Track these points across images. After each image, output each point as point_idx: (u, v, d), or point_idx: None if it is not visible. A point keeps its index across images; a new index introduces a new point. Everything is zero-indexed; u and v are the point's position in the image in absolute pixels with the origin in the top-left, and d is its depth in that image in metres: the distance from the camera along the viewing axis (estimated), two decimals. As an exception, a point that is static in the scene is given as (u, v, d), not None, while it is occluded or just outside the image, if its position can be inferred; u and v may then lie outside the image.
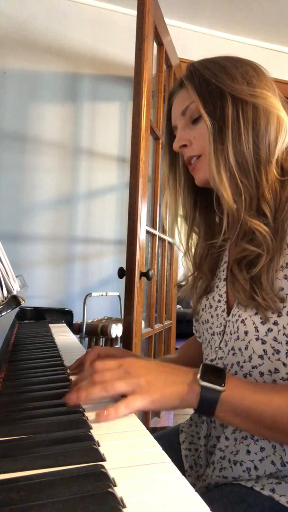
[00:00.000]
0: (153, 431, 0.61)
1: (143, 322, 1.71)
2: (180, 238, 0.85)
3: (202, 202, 0.83)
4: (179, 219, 0.85)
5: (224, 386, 0.55)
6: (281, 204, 0.65)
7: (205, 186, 0.76)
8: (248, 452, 0.66)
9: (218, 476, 0.70)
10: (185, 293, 0.86)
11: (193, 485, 0.76)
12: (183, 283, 0.88)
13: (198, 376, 0.56)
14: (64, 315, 1.53)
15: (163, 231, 2.07)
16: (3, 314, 0.63)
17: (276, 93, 0.72)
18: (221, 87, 0.69)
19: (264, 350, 0.64)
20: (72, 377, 0.69)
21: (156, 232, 1.91)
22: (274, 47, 2.75)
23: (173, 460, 0.41)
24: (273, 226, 0.65)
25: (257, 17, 2.46)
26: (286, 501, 0.61)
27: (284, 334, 0.62)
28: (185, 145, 0.76)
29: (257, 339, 0.64)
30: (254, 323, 0.64)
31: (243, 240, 0.68)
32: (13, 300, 0.76)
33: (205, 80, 0.70)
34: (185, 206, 0.84)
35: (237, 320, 0.68)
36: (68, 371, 0.76)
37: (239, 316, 0.68)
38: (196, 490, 0.35)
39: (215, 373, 0.57)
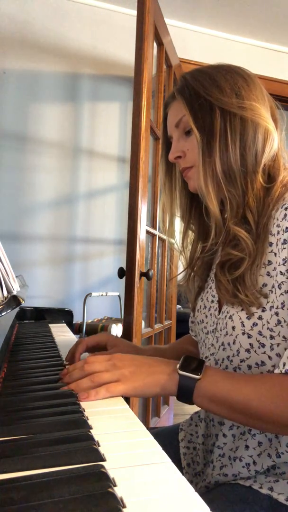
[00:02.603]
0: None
1: (143, 322, 1.71)
2: (176, 237, 0.90)
3: (196, 206, 0.87)
4: (175, 220, 0.89)
5: (200, 375, 0.60)
6: (264, 209, 0.68)
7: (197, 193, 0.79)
8: (247, 447, 0.69)
9: (219, 474, 0.71)
10: (182, 288, 0.90)
11: (190, 482, 0.78)
12: (180, 279, 0.91)
13: (178, 366, 0.61)
14: (64, 315, 1.53)
15: (163, 231, 2.07)
16: (3, 314, 0.63)
17: (266, 102, 0.74)
18: (210, 100, 0.71)
19: (250, 344, 0.67)
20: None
21: (156, 232, 1.91)
22: (274, 47, 2.75)
23: (170, 457, 0.41)
24: (256, 230, 0.68)
25: (257, 17, 2.46)
26: (284, 499, 0.62)
27: (268, 328, 0.65)
28: (179, 156, 0.78)
29: (243, 333, 0.67)
30: (240, 319, 0.68)
31: (228, 245, 0.72)
32: (13, 300, 0.76)
33: (195, 93, 0.72)
34: (181, 208, 0.87)
35: (225, 317, 0.71)
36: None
37: (227, 312, 0.71)
38: (196, 490, 0.36)
39: (194, 364, 0.62)
